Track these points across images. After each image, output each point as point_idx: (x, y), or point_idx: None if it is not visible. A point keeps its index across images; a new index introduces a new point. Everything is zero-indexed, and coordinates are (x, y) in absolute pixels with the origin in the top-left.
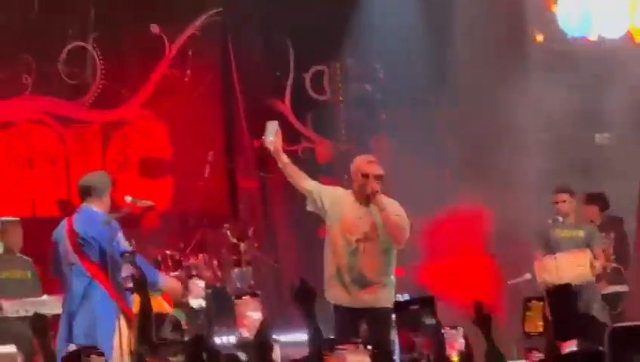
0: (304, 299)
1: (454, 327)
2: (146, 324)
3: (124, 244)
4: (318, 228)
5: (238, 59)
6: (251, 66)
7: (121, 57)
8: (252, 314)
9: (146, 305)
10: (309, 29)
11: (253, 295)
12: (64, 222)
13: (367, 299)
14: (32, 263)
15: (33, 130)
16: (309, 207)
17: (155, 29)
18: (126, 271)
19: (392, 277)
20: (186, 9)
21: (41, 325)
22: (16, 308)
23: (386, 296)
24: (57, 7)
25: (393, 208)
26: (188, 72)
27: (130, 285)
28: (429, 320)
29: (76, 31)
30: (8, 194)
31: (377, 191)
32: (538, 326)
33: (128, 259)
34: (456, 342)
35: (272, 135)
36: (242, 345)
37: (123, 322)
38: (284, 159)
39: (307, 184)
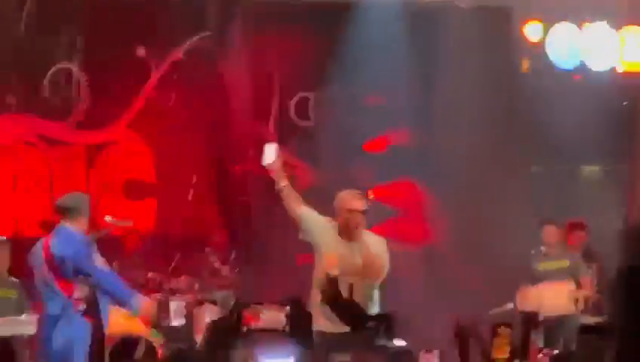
0: (299, 322)
1: (430, 351)
2: (97, 350)
3: (100, 263)
4: (298, 255)
5: (225, 84)
6: (238, 91)
7: (106, 79)
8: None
9: (96, 330)
10: (296, 55)
11: (213, 302)
12: (40, 243)
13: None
14: (17, 283)
15: (17, 149)
16: (300, 235)
17: (141, 51)
18: (81, 292)
19: (376, 308)
20: (174, 32)
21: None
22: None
23: None
24: (44, 28)
25: (375, 244)
26: (173, 95)
27: (83, 307)
28: (383, 341)
29: (62, 52)
30: None
31: (360, 226)
32: (505, 351)
33: (84, 281)
34: None
35: (271, 157)
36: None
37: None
38: (281, 182)
39: (299, 210)
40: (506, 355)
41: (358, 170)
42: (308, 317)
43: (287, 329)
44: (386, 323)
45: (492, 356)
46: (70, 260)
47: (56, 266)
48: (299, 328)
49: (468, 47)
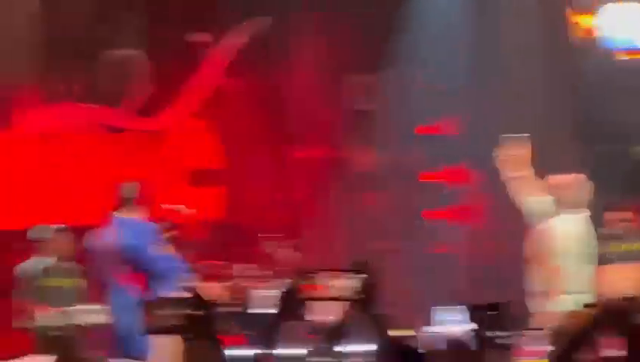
0: (367, 290)
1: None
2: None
3: (158, 251)
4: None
5: (289, 69)
6: (301, 76)
7: (170, 65)
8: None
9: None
10: (354, 35)
11: None
12: (104, 232)
13: None
14: (81, 271)
15: (81, 137)
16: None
17: (204, 36)
18: None
19: None
20: (237, 17)
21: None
22: (58, 317)
23: None
24: (107, 14)
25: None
26: (238, 80)
27: None
28: (491, 332)
29: (126, 38)
30: (56, 201)
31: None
32: None
33: None
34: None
35: (511, 149)
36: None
37: None
38: (509, 173)
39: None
40: None
41: (414, 154)
42: (374, 285)
43: (355, 296)
44: (495, 313)
45: None
46: (129, 250)
47: (118, 256)
48: (367, 296)
49: (526, 30)
